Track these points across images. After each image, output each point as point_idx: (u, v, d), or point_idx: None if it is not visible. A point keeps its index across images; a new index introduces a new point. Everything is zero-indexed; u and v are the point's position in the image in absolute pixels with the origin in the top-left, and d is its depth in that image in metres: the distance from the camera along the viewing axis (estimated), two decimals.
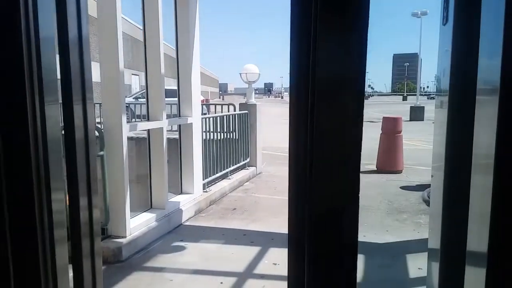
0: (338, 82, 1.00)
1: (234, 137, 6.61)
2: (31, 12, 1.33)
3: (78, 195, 1.56)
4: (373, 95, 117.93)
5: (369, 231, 4.18)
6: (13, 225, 1.37)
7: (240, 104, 7.34)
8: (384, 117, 7.75)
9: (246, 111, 7.07)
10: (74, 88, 1.50)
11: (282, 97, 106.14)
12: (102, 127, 3.61)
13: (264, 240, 3.95)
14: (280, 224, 4.44)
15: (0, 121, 1.34)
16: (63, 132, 1.55)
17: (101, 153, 3.56)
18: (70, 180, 1.55)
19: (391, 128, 7.38)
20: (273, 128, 14.98)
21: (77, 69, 1.52)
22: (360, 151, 1.00)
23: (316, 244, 1.05)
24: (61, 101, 1.53)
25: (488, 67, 0.79)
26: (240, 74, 7.64)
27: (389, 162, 7.26)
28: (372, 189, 6.05)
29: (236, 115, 6.78)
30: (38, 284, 1.40)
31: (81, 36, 1.53)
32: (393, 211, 4.89)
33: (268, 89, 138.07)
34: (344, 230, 1.03)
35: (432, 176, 1.31)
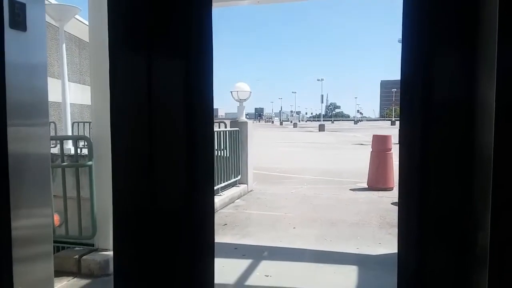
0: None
1: (225, 154, 6.57)
2: None
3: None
4: (362, 120, 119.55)
5: (362, 244, 4.13)
6: None
7: (231, 122, 7.34)
8: (374, 135, 7.81)
9: (237, 128, 7.07)
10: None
11: (272, 122, 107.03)
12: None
13: (255, 253, 3.86)
14: (272, 239, 4.37)
15: None
16: None
17: (89, 163, 3.51)
18: None
19: (381, 146, 7.43)
20: (263, 148, 15.03)
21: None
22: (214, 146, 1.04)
23: None
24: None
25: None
26: (231, 92, 7.69)
27: (380, 180, 7.26)
28: (364, 205, 6.02)
29: (227, 132, 6.77)
30: None
31: None
32: (385, 225, 4.85)
33: (259, 114, 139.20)
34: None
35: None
